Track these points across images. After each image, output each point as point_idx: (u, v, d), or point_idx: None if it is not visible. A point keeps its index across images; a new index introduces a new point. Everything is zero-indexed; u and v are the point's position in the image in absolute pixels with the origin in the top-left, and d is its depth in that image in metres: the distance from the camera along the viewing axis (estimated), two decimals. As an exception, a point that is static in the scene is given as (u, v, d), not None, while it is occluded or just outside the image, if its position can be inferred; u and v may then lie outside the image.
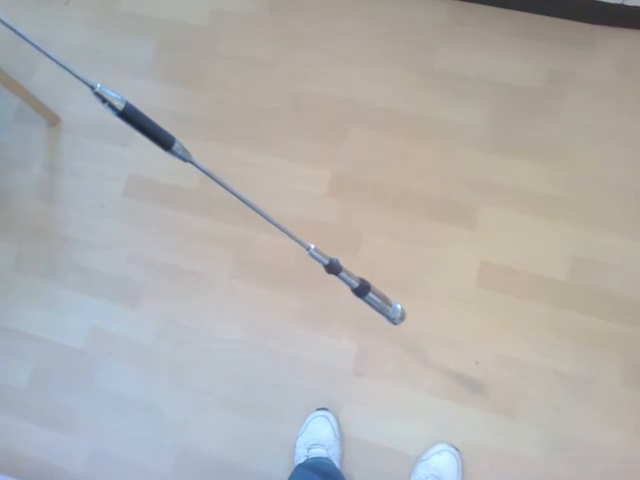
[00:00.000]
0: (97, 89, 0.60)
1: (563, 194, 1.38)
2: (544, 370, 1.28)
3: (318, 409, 1.31)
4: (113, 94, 0.61)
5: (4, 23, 0.54)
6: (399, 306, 0.92)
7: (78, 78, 0.59)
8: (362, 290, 0.85)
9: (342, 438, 1.29)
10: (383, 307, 0.89)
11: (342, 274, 0.82)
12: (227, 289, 1.44)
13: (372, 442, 1.29)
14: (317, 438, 1.25)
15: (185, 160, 0.70)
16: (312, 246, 0.79)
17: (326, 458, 1.22)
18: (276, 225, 0.76)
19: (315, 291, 1.40)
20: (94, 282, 1.49)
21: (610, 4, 1.38)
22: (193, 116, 1.57)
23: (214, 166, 1.63)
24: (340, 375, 1.34)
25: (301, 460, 1.23)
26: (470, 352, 1.31)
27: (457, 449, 1.24)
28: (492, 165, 1.42)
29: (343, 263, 1.44)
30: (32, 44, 0.55)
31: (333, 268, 0.80)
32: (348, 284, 0.84)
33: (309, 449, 1.24)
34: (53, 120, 1.64)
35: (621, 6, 1.38)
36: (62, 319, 1.49)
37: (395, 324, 0.92)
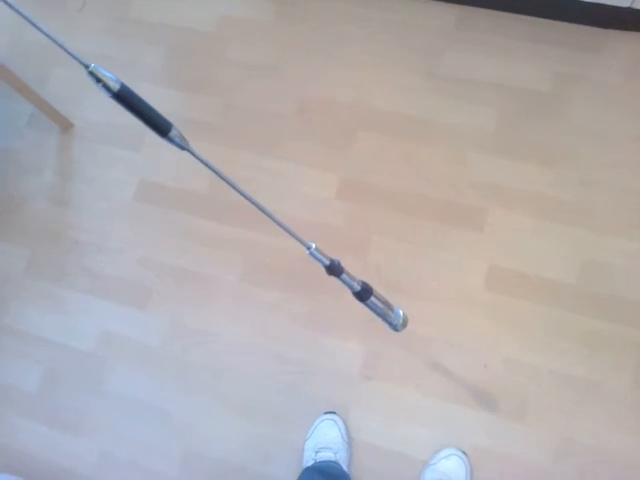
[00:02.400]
0: (91, 68, 0.57)
1: (571, 197, 1.37)
2: (553, 374, 1.27)
3: (326, 412, 1.31)
4: (108, 74, 0.58)
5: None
6: (401, 312, 0.88)
7: (71, 55, 0.57)
8: (364, 294, 0.82)
9: (350, 442, 1.29)
10: (385, 312, 0.86)
11: (343, 276, 0.79)
12: (235, 292, 1.45)
13: (380, 446, 1.29)
14: (325, 441, 1.25)
15: (182, 148, 0.67)
16: (313, 245, 0.76)
17: (334, 462, 1.22)
18: (276, 221, 0.73)
19: (323, 294, 1.40)
20: (104, 285, 1.51)
21: (618, 7, 1.38)
22: (202, 121, 1.59)
23: (222, 170, 1.65)
24: (348, 378, 1.34)
25: (309, 463, 1.23)
26: (478, 356, 1.31)
27: (465, 453, 1.24)
28: (500, 168, 1.42)
29: (351, 267, 1.44)
30: (22, 15, 0.54)
31: (334, 269, 0.77)
32: (349, 287, 0.81)
33: (317, 452, 1.24)
34: (66, 126, 1.66)
35: (630, 9, 1.38)
36: (72, 322, 1.50)
37: (397, 331, 0.89)
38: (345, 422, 1.30)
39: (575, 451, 1.22)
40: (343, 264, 0.80)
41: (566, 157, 1.41)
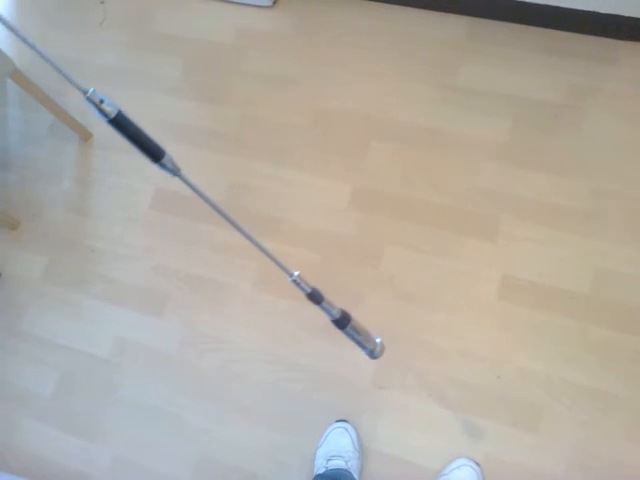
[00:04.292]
0: (89, 94, 0.56)
1: (584, 207, 1.37)
2: (567, 384, 1.26)
3: (337, 421, 1.31)
4: (106, 100, 0.58)
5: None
6: (379, 340, 0.91)
7: (71, 82, 0.56)
8: (342, 322, 0.85)
9: (362, 450, 1.29)
10: (363, 340, 0.88)
11: (323, 304, 0.82)
12: (249, 300, 1.46)
13: (392, 455, 1.28)
14: (336, 449, 1.25)
15: (174, 174, 0.66)
16: (295, 273, 0.79)
17: (345, 470, 1.22)
18: (259, 248, 0.76)
19: (335, 303, 1.41)
20: (120, 292, 1.53)
21: (633, 18, 1.38)
22: (219, 131, 1.61)
23: (238, 179, 1.67)
24: (360, 387, 1.34)
25: (320, 471, 1.23)
26: (491, 366, 1.30)
27: (478, 464, 1.23)
28: (513, 178, 1.42)
29: (364, 276, 1.44)
30: (26, 42, 0.53)
31: (315, 297, 0.81)
32: (329, 314, 0.84)
33: (328, 460, 1.24)
34: (85, 136, 1.70)
35: (644, 21, 1.38)
36: (88, 328, 1.52)
37: (375, 358, 0.91)
38: (357, 431, 1.30)
39: (589, 462, 1.21)
40: (324, 293, 0.83)
41: (579, 167, 1.41)
